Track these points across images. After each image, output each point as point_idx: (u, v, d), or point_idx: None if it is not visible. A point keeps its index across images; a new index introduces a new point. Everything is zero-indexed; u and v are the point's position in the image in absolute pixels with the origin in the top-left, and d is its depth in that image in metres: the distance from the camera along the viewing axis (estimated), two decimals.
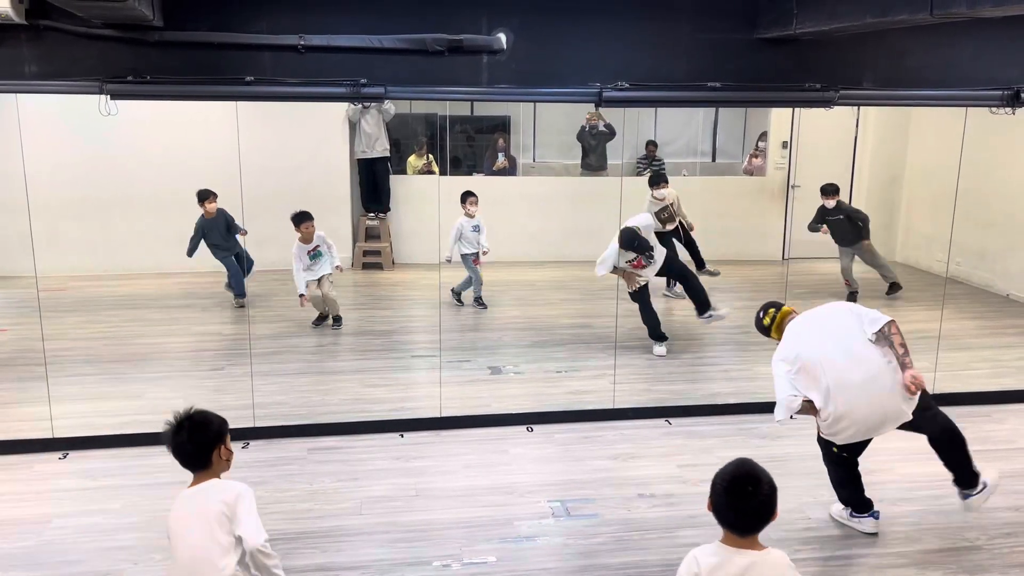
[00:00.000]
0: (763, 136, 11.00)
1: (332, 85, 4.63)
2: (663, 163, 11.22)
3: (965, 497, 4.04)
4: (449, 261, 8.01)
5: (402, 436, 5.20)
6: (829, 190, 8.35)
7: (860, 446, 4.00)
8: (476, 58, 4.72)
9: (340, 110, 9.57)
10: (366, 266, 9.77)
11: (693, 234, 8.23)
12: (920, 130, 10.06)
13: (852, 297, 8.27)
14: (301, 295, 7.12)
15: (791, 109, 9.50)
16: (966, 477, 4.02)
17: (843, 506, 4.18)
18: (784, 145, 10.64)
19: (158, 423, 5.24)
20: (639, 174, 11.05)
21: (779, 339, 4.08)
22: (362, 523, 4.19)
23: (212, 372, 6.40)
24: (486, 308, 8.05)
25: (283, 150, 9.07)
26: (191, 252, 7.72)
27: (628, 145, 11.16)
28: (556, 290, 8.65)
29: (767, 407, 5.51)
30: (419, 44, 4.62)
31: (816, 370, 3.84)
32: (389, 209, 9.98)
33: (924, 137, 9.96)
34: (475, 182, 10.52)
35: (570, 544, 4.02)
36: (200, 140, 8.53)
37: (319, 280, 7.29)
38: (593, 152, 10.78)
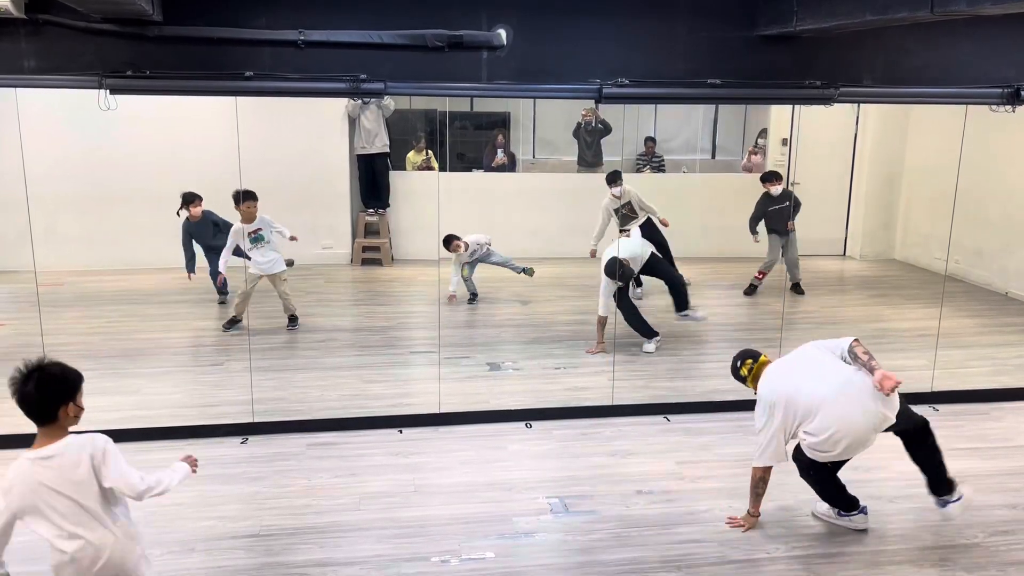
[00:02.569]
0: (763, 133, 10.99)
1: (332, 81, 4.62)
2: (662, 160, 11.22)
3: (944, 504, 4.05)
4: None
5: (400, 432, 5.21)
6: (773, 177, 8.43)
7: (844, 461, 4.01)
8: (476, 54, 4.71)
9: (340, 106, 9.56)
10: (365, 262, 9.76)
11: (667, 231, 8.26)
12: (919, 128, 10.06)
13: (753, 290, 8.46)
14: (219, 273, 7.01)
15: (791, 106, 9.49)
16: (943, 483, 4.03)
17: (829, 506, 4.18)
18: (784, 142, 10.64)
19: (157, 419, 5.28)
20: (638, 171, 11.05)
21: (755, 388, 4.11)
22: (360, 519, 4.19)
23: (211, 367, 6.40)
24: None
25: (282, 146, 9.06)
26: (191, 263, 7.53)
27: (628, 142, 11.15)
28: (554, 286, 8.65)
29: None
30: (419, 40, 4.61)
31: (800, 401, 3.87)
32: (388, 205, 9.97)
33: (923, 135, 9.95)
34: (474, 178, 10.54)
35: (568, 540, 4.03)
36: (199, 136, 8.52)
37: (271, 277, 7.03)
38: (589, 148, 10.78)
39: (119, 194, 8.91)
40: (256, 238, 6.98)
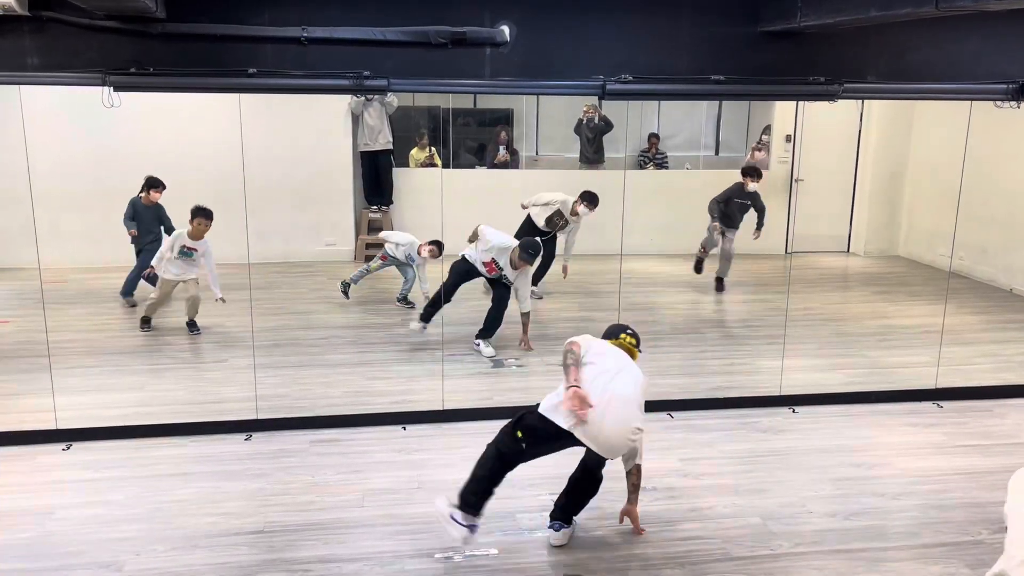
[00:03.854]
0: (767, 130, 10.97)
1: (335, 77, 4.62)
2: (665, 156, 11.20)
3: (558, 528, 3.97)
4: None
5: (404, 429, 5.21)
6: (754, 173, 8.58)
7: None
8: (479, 51, 4.71)
9: (343, 103, 9.56)
10: (368, 259, 9.74)
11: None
12: (924, 124, 10.04)
13: (699, 267, 8.60)
14: (152, 266, 6.98)
15: (795, 103, 9.47)
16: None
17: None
18: (788, 139, 10.62)
19: (161, 415, 5.29)
20: (641, 167, 11.03)
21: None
22: (364, 515, 4.20)
23: (215, 364, 6.41)
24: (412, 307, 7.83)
25: (286, 143, 9.07)
26: (130, 230, 7.57)
27: (631, 138, 11.13)
28: (557, 283, 8.64)
29: (769, 401, 5.52)
30: (422, 36, 4.61)
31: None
32: (391, 202, 9.97)
33: (928, 132, 9.93)
34: (477, 175, 10.53)
35: (572, 537, 4.02)
36: (202, 133, 8.53)
37: (185, 282, 6.98)
38: (591, 145, 10.76)
39: (123, 191, 8.87)
40: (185, 253, 6.90)
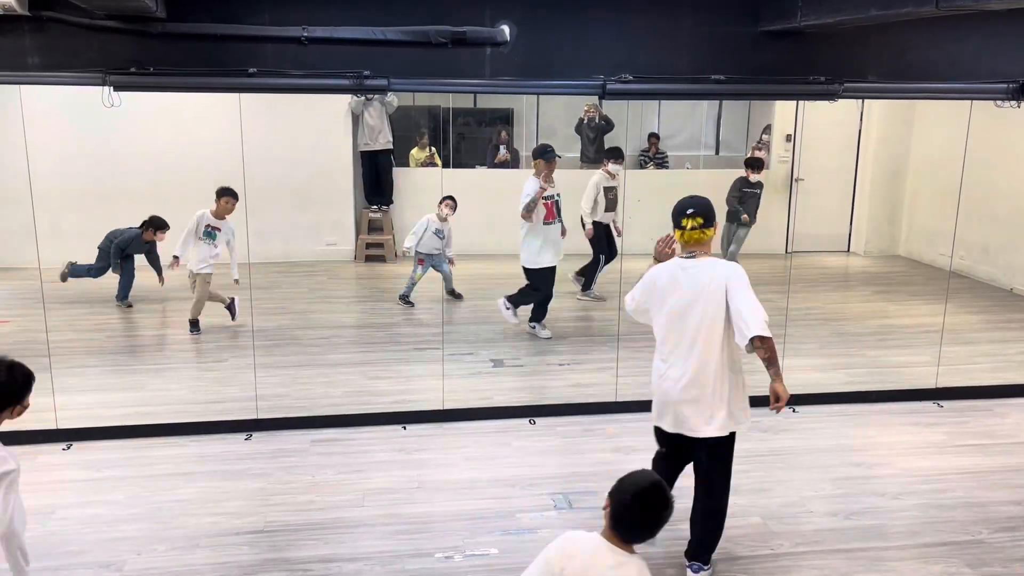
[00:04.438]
0: (767, 129, 10.97)
1: (335, 77, 4.62)
2: (666, 156, 11.20)
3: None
4: (405, 254, 7.87)
5: (404, 428, 5.21)
6: (756, 164, 8.83)
7: None
8: (479, 50, 4.71)
9: (343, 102, 9.56)
10: (369, 259, 9.77)
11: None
12: (924, 124, 10.03)
13: None
14: (176, 257, 6.91)
15: (795, 102, 9.47)
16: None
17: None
18: (788, 138, 10.61)
19: (161, 415, 5.28)
20: (642, 167, 11.03)
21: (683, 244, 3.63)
22: (364, 515, 4.20)
23: (215, 364, 6.41)
24: (412, 306, 7.87)
25: (286, 142, 9.06)
26: (102, 272, 7.61)
27: (631, 138, 11.13)
28: (558, 283, 8.62)
29: (769, 401, 5.51)
30: (422, 36, 4.61)
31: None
32: (392, 202, 9.97)
33: (928, 131, 9.93)
34: (477, 175, 10.52)
35: None
36: (203, 132, 8.52)
37: (198, 276, 6.92)
38: (591, 145, 10.76)
39: (123, 191, 8.92)
40: (209, 233, 6.89)
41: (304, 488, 4.46)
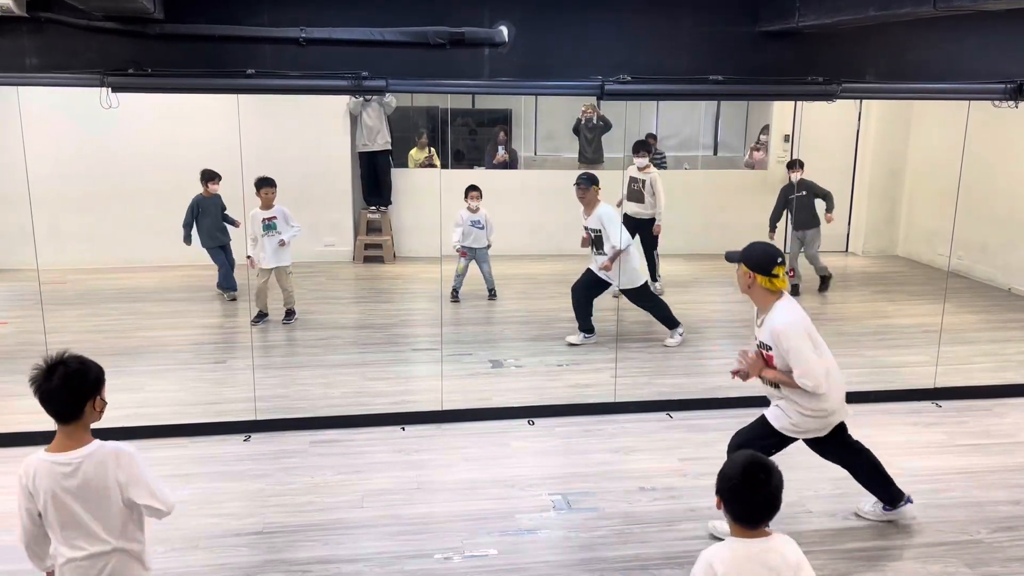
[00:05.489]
0: (765, 129, 10.98)
1: (333, 78, 4.62)
2: (664, 156, 11.21)
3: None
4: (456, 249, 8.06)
5: (403, 429, 5.21)
6: (795, 165, 8.31)
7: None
8: (478, 51, 4.71)
9: (341, 103, 9.55)
10: (367, 259, 9.76)
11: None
12: (922, 124, 10.04)
13: (795, 290, 8.25)
14: (249, 257, 7.05)
15: (793, 102, 9.48)
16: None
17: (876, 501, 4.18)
18: (786, 139, 10.62)
19: (161, 416, 5.28)
20: None
21: (767, 290, 3.79)
22: (363, 516, 4.20)
23: (214, 365, 6.40)
24: (458, 301, 8.07)
25: (284, 143, 9.06)
26: (188, 234, 7.69)
27: (629, 138, 11.13)
28: (557, 283, 8.63)
29: (768, 401, 5.51)
30: (421, 37, 4.61)
31: (822, 351, 3.91)
32: (390, 202, 9.97)
33: (926, 131, 9.94)
34: (476, 175, 10.52)
35: (571, 537, 4.03)
36: (201, 133, 8.51)
37: (274, 271, 7.11)
38: (589, 145, 10.76)
39: (121, 192, 8.92)
40: (269, 225, 7.05)
41: (303, 489, 4.46)
